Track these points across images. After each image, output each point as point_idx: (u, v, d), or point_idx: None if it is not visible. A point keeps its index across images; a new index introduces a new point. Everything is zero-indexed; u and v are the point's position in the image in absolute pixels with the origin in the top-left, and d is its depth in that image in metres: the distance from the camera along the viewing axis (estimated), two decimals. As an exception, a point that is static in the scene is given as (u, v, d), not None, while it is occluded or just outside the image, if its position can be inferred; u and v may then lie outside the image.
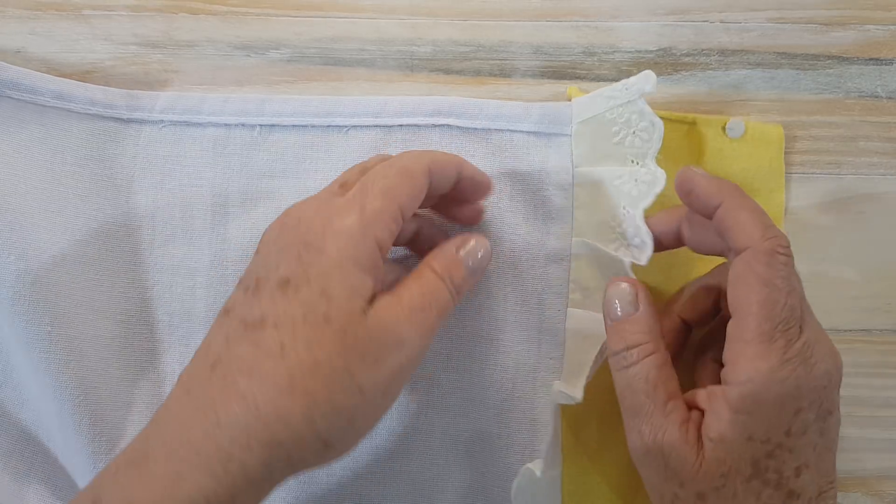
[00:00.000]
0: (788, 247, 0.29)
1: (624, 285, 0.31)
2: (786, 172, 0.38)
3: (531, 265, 0.37)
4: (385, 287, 0.29)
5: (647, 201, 0.33)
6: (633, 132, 0.34)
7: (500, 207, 0.36)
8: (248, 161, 0.37)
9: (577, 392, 0.33)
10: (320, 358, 0.26)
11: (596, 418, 0.36)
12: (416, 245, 0.35)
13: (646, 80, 0.34)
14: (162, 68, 0.38)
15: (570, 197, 0.36)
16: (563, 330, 0.36)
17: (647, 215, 0.33)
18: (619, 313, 0.31)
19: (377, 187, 0.29)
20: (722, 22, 0.38)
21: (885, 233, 0.38)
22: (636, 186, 0.34)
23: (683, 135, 0.37)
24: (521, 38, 0.38)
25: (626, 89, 0.34)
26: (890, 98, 0.38)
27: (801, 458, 0.28)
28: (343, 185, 0.30)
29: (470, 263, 0.31)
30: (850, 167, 0.38)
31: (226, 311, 0.28)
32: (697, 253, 0.33)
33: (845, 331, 0.38)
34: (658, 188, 0.33)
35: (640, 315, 0.31)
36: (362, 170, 0.31)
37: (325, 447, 0.26)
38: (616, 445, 0.36)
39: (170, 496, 0.25)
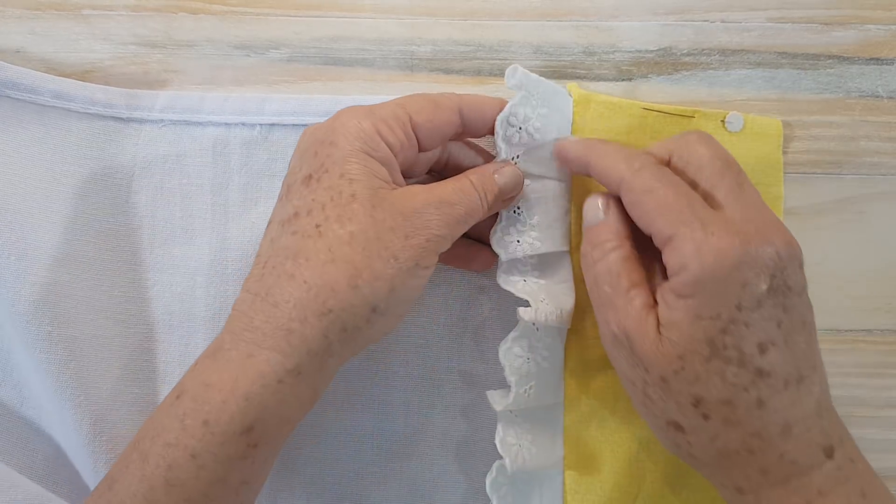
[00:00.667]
0: (652, 161, 0.30)
1: (595, 198, 0.33)
2: (786, 172, 0.38)
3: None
4: (398, 175, 0.31)
5: None
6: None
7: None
8: (248, 160, 0.37)
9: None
10: (353, 230, 0.29)
11: (597, 419, 0.36)
12: (448, 172, 0.35)
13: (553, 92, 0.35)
14: (161, 68, 0.38)
15: (568, 192, 0.36)
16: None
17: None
18: (589, 221, 0.33)
19: (395, 101, 0.31)
20: (722, 21, 0.38)
21: (885, 233, 0.38)
22: None
23: (683, 129, 0.37)
24: (521, 38, 0.38)
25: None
26: (890, 98, 0.38)
27: (762, 333, 0.27)
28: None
29: (503, 185, 0.33)
30: (851, 167, 0.38)
31: (268, 223, 0.31)
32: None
33: (845, 331, 0.38)
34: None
35: (606, 220, 0.32)
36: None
37: (373, 312, 0.29)
38: (617, 446, 0.36)
39: (242, 374, 0.28)
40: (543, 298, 0.35)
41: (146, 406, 0.37)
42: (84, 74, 0.38)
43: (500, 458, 0.35)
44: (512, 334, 0.34)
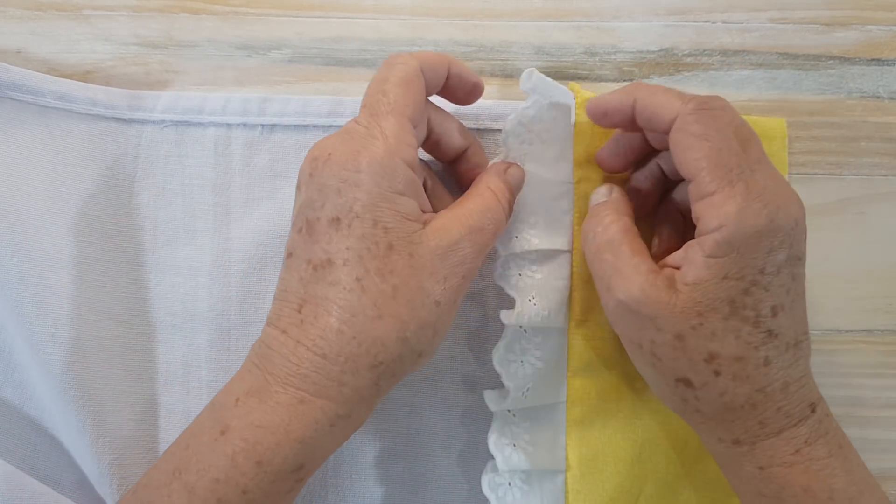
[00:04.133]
0: (714, 101, 0.30)
1: (601, 187, 0.34)
2: (788, 173, 0.38)
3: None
4: (423, 197, 0.31)
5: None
6: None
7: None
8: (250, 161, 0.37)
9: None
10: (396, 283, 0.29)
11: (599, 419, 0.36)
12: (430, 141, 0.35)
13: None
14: (163, 68, 0.38)
15: (571, 193, 0.36)
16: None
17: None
18: (594, 203, 0.34)
19: (385, 107, 0.30)
20: (724, 22, 0.38)
21: (885, 233, 0.38)
22: None
23: None
24: (522, 39, 0.38)
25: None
26: (891, 98, 0.38)
27: (777, 297, 0.29)
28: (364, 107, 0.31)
29: (516, 187, 0.33)
30: (852, 168, 0.38)
31: (289, 255, 0.30)
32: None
33: (846, 331, 0.38)
34: None
35: (608, 200, 0.33)
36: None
37: (419, 356, 0.30)
38: (619, 446, 0.36)
39: (295, 418, 0.28)
40: (533, 297, 0.35)
41: (149, 406, 0.37)
42: (85, 75, 0.38)
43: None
44: (501, 341, 0.35)
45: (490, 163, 0.35)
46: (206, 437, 0.29)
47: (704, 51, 0.38)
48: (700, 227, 0.29)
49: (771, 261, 0.29)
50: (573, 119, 0.36)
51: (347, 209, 0.29)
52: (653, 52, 0.38)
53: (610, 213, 0.32)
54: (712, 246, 0.29)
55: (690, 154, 0.29)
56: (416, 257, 0.29)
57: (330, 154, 0.29)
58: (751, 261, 0.28)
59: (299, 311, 0.29)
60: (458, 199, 0.32)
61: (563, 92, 0.35)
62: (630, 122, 0.32)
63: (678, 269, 0.30)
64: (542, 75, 0.34)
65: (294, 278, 0.29)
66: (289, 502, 0.30)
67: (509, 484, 0.36)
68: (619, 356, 0.36)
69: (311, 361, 0.28)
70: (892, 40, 0.38)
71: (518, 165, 0.34)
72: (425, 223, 0.30)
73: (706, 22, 0.38)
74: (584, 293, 0.36)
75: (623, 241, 0.31)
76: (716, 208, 0.28)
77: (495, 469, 0.36)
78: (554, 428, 0.36)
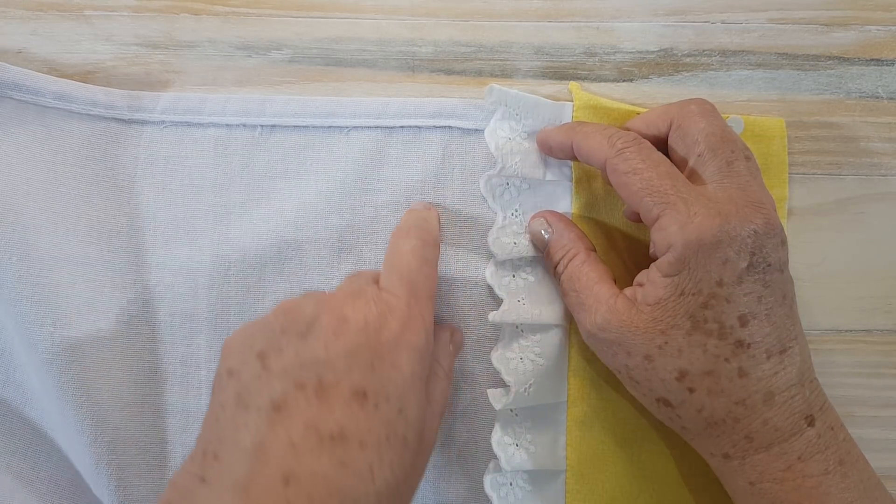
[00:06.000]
0: (634, 139, 0.31)
1: (535, 222, 0.35)
2: (787, 173, 0.38)
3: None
4: None
5: None
6: None
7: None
8: (250, 162, 0.37)
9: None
10: (400, 478, 0.27)
11: (599, 419, 0.36)
12: None
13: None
14: (163, 69, 0.38)
15: (569, 194, 0.36)
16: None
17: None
18: (540, 243, 0.35)
19: (424, 293, 0.30)
20: (723, 22, 0.38)
21: (885, 233, 0.38)
22: None
23: None
24: (522, 39, 0.38)
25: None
26: (891, 99, 0.38)
27: (744, 307, 0.29)
28: (377, 281, 0.30)
29: (454, 354, 0.35)
30: (851, 168, 0.38)
31: (276, 408, 0.25)
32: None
33: (845, 331, 0.38)
34: None
35: (553, 237, 0.35)
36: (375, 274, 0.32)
37: None
38: (619, 446, 0.36)
39: None
40: (522, 298, 0.36)
41: (148, 407, 0.37)
42: (86, 75, 0.38)
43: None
44: (499, 340, 0.36)
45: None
46: None
47: (704, 51, 0.38)
48: (656, 251, 0.30)
49: (728, 271, 0.29)
50: (568, 120, 0.36)
51: (380, 387, 0.26)
52: (652, 52, 0.38)
53: (560, 249, 0.34)
54: (665, 266, 0.29)
55: (627, 190, 0.31)
56: (418, 454, 0.28)
57: (366, 322, 0.27)
58: (705, 274, 0.29)
59: (286, 486, 0.24)
60: (429, 389, 0.31)
61: (535, 100, 0.36)
62: (570, 157, 0.34)
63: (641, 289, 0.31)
64: (504, 88, 0.36)
65: (281, 439, 0.25)
66: None
67: (511, 484, 0.36)
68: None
69: None
70: (891, 40, 0.38)
71: (457, 329, 0.36)
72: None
73: (705, 22, 0.38)
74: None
75: (580, 275, 0.33)
76: (663, 230, 0.29)
77: (498, 469, 0.36)
78: (555, 427, 0.36)
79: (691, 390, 0.29)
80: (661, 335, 0.29)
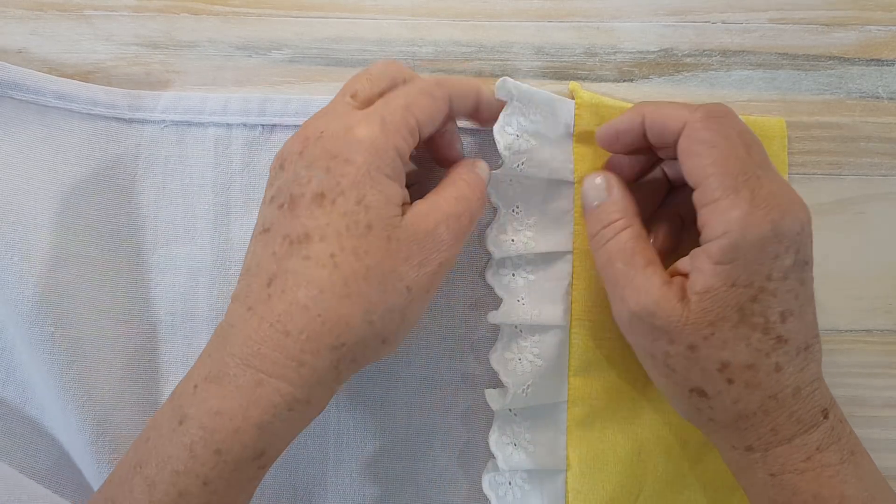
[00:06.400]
0: (720, 108, 0.30)
1: (597, 178, 0.33)
2: (787, 173, 0.38)
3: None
4: (405, 189, 0.31)
5: None
6: None
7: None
8: (250, 161, 0.37)
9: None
10: (370, 264, 0.28)
11: (600, 419, 0.36)
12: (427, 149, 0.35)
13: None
14: (163, 69, 0.38)
15: (571, 193, 0.36)
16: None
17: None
18: (595, 203, 0.33)
19: (398, 102, 0.30)
20: (723, 23, 0.38)
21: (885, 233, 0.38)
22: None
23: None
24: (522, 39, 0.38)
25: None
26: (891, 99, 0.38)
27: (785, 303, 0.29)
28: (354, 96, 0.31)
29: (485, 177, 0.33)
30: (851, 168, 0.38)
31: (265, 230, 0.29)
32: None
33: (845, 331, 0.38)
34: None
35: (612, 199, 0.33)
36: (370, 78, 0.31)
37: (383, 343, 0.29)
38: (619, 445, 0.36)
39: (253, 402, 0.27)
40: (522, 298, 0.35)
41: (149, 406, 0.37)
42: (86, 75, 0.38)
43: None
44: (498, 341, 0.36)
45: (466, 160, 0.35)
46: (164, 429, 0.28)
47: (704, 51, 0.38)
48: (705, 234, 0.29)
49: (778, 266, 0.29)
50: (571, 119, 0.36)
51: (334, 184, 0.28)
52: (652, 52, 0.38)
53: (619, 216, 0.32)
54: (718, 253, 0.29)
55: (698, 161, 0.29)
56: (394, 240, 0.29)
57: (322, 132, 0.29)
58: (758, 267, 0.29)
59: (268, 286, 0.28)
60: (434, 189, 0.32)
61: (545, 96, 0.35)
62: (641, 141, 0.33)
63: (686, 275, 0.30)
64: (517, 82, 0.34)
65: (267, 252, 0.29)
66: (251, 490, 0.29)
67: (510, 483, 0.36)
68: (620, 356, 0.36)
69: (273, 339, 0.28)
70: (891, 40, 0.38)
71: (483, 161, 0.34)
72: (404, 211, 0.30)
73: (706, 22, 0.38)
74: (585, 293, 0.36)
75: (635, 251, 0.31)
76: (721, 214, 0.29)
77: (496, 468, 0.36)
78: (555, 427, 0.36)
79: (730, 381, 0.29)
80: (708, 326, 0.29)
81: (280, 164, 0.30)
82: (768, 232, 0.28)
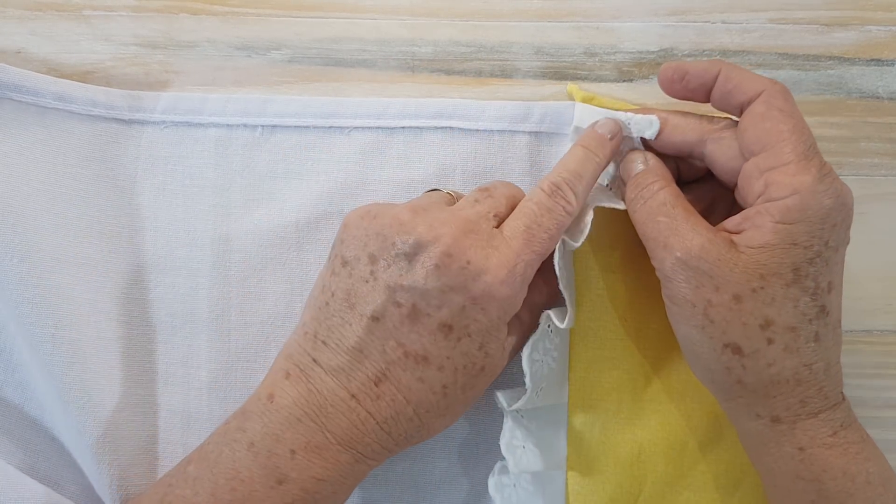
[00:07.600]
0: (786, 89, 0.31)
1: (634, 153, 0.34)
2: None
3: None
4: None
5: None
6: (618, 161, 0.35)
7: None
8: (250, 162, 0.37)
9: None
10: (471, 398, 0.32)
11: (600, 420, 0.36)
12: None
13: (648, 124, 0.34)
14: (163, 69, 0.38)
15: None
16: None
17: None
18: (633, 173, 0.34)
19: (538, 247, 0.32)
20: (723, 23, 0.38)
21: (885, 233, 0.38)
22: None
23: None
24: (522, 39, 0.38)
25: (629, 125, 0.34)
26: (891, 99, 0.38)
27: (833, 274, 0.30)
28: (497, 216, 0.32)
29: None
30: (852, 168, 0.38)
31: (374, 318, 0.30)
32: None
33: (846, 331, 0.38)
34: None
35: (649, 167, 0.34)
36: (510, 197, 0.33)
37: None
38: (620, 447, 0.36)
39: (350, 474, 0.31)
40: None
41: (149, 407, 0.37)
42: (85, 75, 0.38)
43: (502, 458, 0.35)
44: (533, 337, 0.34)
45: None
46: (258, 485, 0.30)
47: (704, 51, 0.38)
48: (768, 195, 0.30)
49: (835, 236, 0.29)
50: (573, 120, 0.36)
51: (464, 325, 0.30)
52: (652, 52, 0.38)
53: (656, 178, 0.33)
54: (783, 211, 0.29)
55: (773, 125, 0.30)
56: (494, 376, 0.33)
57: (469, 261, 0.30)
58: (819, 231, 0.29)
59: (377, 385, 0.30)
60: None
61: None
62: (699, 92, 0.33)
63: (735, 234, 0.30)
64: (591, 107, 0.36)
65: (376, 346, 0.30)
66: None
67: (514, 485, 0.36)
68: (620, 356, 0.36)
69: (376, 434, 0.31)
70: (891, 40, 0.38)
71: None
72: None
73: (706, 22, 0.38)
74: (586, 293, 0.36)
75: (676, 204, 0.32)
76: (791, 176, 0.29)
77: (504, 471, 0.36)
78: (556, 428, 0.36)
79: (770, 341, 0.29)
80: (759, 279, 0.29)
81: (407, 252, 0.30)
82: (834, 201, 0.29)
